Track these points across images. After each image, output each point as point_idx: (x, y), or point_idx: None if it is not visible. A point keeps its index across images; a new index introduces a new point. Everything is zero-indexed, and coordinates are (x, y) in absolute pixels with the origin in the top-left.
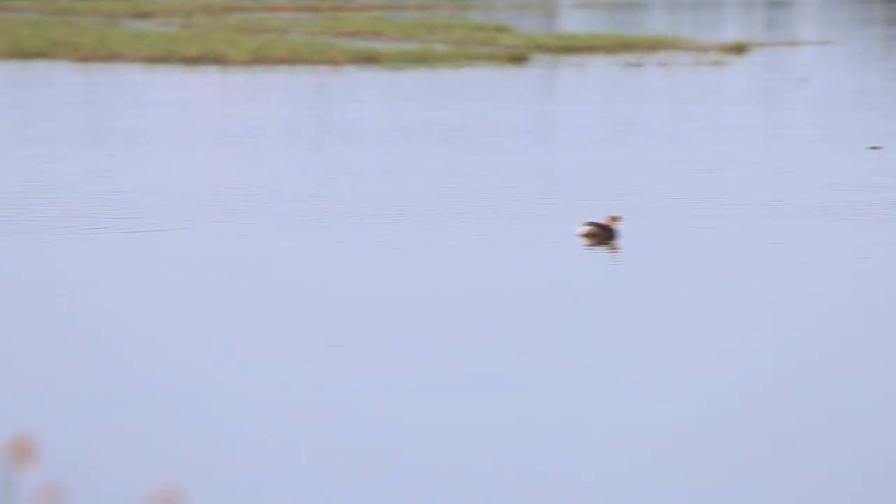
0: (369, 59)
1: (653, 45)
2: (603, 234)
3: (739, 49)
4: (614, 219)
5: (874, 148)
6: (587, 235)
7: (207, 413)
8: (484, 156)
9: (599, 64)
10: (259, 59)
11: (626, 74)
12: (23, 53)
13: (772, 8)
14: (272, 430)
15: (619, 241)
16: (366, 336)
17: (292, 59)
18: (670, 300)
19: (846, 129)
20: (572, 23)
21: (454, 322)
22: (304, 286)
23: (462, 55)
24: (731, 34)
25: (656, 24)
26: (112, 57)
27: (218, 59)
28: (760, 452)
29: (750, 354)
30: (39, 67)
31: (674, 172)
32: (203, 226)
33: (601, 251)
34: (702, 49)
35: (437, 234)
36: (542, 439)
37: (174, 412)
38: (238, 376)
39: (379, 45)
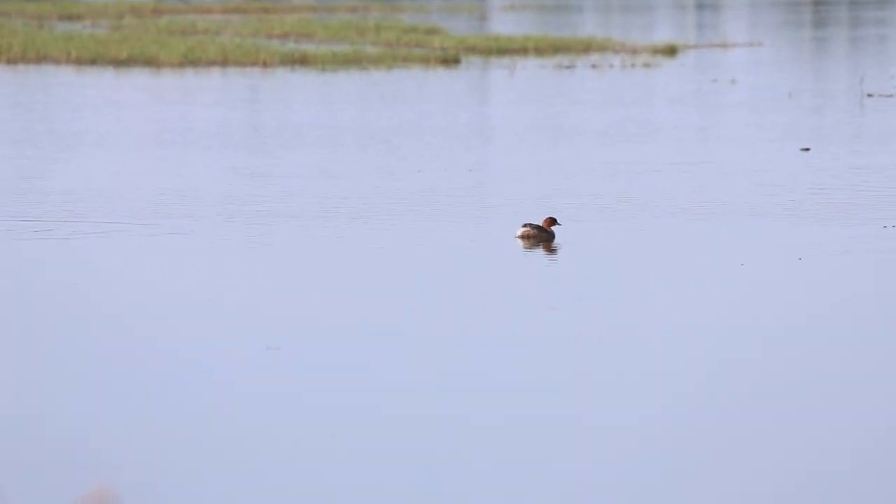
0: (300, 61)
1: (584, 47)
2: (541, 236)
3: (670, 51)
4: (552, 220)
5: (804, 150)
6: (525, 237)
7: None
8: (417, 158)
9: (531, 66)
10: (190, 60)
11: (557, 76)
12: None
13: (701, 10)
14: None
15: (557, 243)
16: (306, 338)
17: (223, 60)
18: (612, 302)
19: (777, 131)
20: (503, 25)
21: (400, 324)
22: (244, 289)
23: (393, 57)
24: (662, 36)
25: (587, 26)
26: (41, 59)
27: (149, 61)
28: (700, 451)
29: (695, 356)
30: None
31: (608, 174)
32: (141, 227)
33: (539, 253)
34: (633, 51)
35: (376, 236)
36: (484, 440)
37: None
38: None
39: (309, 47)
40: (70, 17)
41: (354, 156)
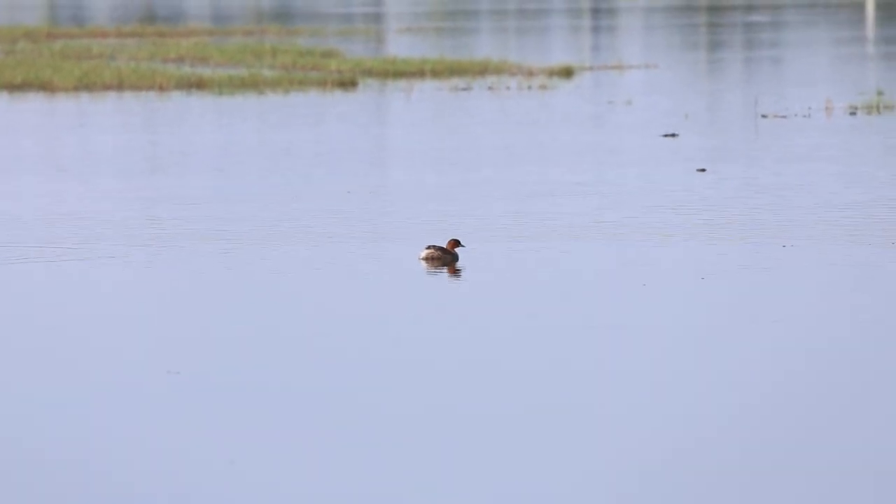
0: (196, 85)
1: (481, 70)
2: (444, 258)
3: (566, 73)
4: (455, 242)
5: (700, 170)
6: (429, 259)
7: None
8: (316, 181)
9: (428, 88)
10: (85, 85)
11: (455, 98)
12: None
13: (597, 33)
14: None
15: (461, 265)
16: (209, 364)
17: (118, 85)
18: (518, 323)
19: (673, 152)
20: (400, 47)
21: (307, 347)
22: (145, 314)
23: (290, 80)
24: (558, 58)
25: (483, 48)
26: None
27: (43, 86)
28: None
29: (604, 377)
30: None
31: (508, 195)
32: (37, 252)
33: (443, 274)
34: (529, 73)
35: (279, 260)
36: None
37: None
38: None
39: (206, 71)
40: None
41: (254, 179)
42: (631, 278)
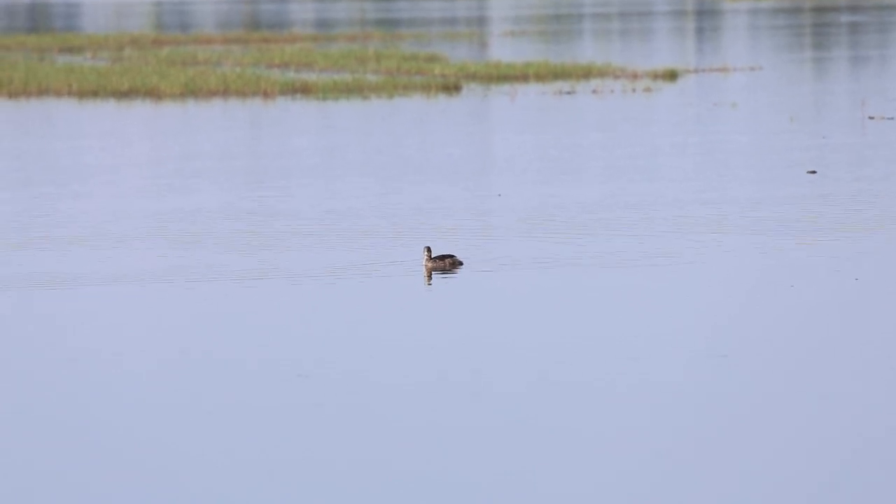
0: (301, 90)
1: (584, 73)
2: (439, 264)
3: (671, 76)
4: (429, 250)
5: (810, 172)
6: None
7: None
8: (421, 185)
9: (531, 92)
10: (191, 91)
11: (559, 101)
12: None
13: (701, 35)
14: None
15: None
16: (342, 364)
17: (224, 90)
18: (632, 314)
19: (781, 154)
20: (503, 51)
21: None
22: (226, 327)
23: (394, 85)
24: (662, 61)
25: (587, 52)
26: (42, 91)
27: (150, 93)
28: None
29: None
30: None
31: (620, 196)
32: (148, 261)
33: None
34: (633, 76)
35: (394, 259)
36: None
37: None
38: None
39: (310, 76)
40: (71, 50)
41: (357, 184)
42: (776, 279)
